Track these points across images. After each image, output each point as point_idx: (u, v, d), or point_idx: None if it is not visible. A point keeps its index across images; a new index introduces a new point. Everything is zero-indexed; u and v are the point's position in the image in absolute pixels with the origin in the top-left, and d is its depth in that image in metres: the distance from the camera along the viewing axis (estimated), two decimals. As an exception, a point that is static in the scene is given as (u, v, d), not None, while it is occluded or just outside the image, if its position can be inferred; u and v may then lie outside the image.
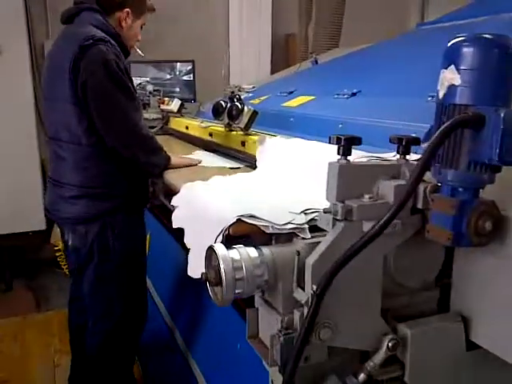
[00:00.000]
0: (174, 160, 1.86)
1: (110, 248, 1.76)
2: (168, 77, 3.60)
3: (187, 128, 2.71)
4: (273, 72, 4.47)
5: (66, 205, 1.74)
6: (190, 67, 3.56)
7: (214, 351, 1.85)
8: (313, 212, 1.15)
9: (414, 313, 1.02)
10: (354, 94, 1.89)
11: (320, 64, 2.95)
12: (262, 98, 2.57)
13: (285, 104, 2.22)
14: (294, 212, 1.14)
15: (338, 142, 0.98)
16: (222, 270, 0.98)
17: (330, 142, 1.00)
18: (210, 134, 2.31)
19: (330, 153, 1.41)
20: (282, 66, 4.47)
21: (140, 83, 3.41)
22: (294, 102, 2.18)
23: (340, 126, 1.66)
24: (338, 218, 0.96)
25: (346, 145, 0.99)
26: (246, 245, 1.06)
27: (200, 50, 4.33)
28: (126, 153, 1.71)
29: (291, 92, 2.38)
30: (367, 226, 0.97)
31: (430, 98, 1.48)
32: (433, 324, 0.97)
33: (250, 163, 1.83)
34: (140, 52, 2.06)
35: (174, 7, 4.19)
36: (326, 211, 0.96)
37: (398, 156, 1.24)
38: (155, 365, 2.32)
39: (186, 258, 2.03)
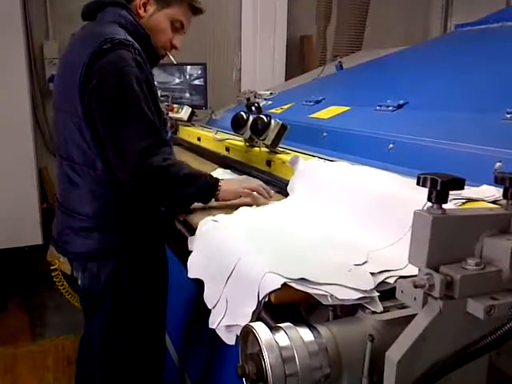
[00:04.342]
0: (227, 189, 1.40)
1: (126, 291, 1.47)
2: (177, 81, 3.31)
3: (199, 139, 2.43)
4: (287, 76, 4.20)
5: (76, 238, 1.44)
6: (200, 71, 3.27)
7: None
8: (382, 271, 0.86)
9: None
10: (400, 106, 1.60)
11: (347, 69, 2.66)
12: (285, 107, 2.28)
13: (313, 115, 1.93)
14: (360, 272, 0.85)
15: (433, 185, 0.70)
16: (268, 364, 0.71)
17: (418, 184, 0.72)
18: (227, 149, 2.02)
19: (391, 184, 1.14)
20: (296, 69, 4.21)
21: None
22: (325, 113, 1.89)
23: (390, 146, 1.38)
24: (435, 295, 0.68)
25: (444, 190, 0.70)
26: (293, 319, 0.78)
27: (209, 52, 4.07)
28: (136, 186, 1.38)
29: (319, 101, 2.10)
30: (474, 307, 0.69)
31: (509, 116, 1.19)
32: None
33: (279, 188, 1.54)
34: (172, 58, 1.62)
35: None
36: (417, 285, 0.68)
37: (496, 196, 0.96)
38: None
39: (195, 286, 1.75)
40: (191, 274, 1.11)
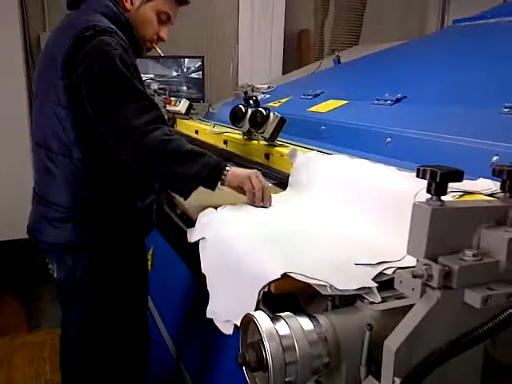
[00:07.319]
0: (236, 173, 1.31)
1: (103, 285, 1.45)
2: (174, 74, 3.30)
3: (197, 133, 2.43)
4: (284, 70, 4.20)
5: (50, 228, 1.40)
6: (198, 64, 3.26)
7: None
8: (380, 263, 0.87)
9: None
10: (398, 100, 1.61)
11: (344, 63, 2.66)
12: (283, 101, 2.29)
13: (312, 109, 1.94)
14: (359, 263, 0.87)
15: (433, 177, 0.70)
16: (268, 352, 0.72)
17: (418, 175, 0.73)
18: (225, 142, 2.03)
19: (389, 176, 1.15)
20: (294, 63, 4.20)
21: (144, 80, 3.12)
22: (323, 107, 1.90)
23: (388, 139, 1.39)
24: (433, 285, 0.69)
25: (443, 182, 0.71)
26: (292, 309, 0.79)
27: (207, 45, 4.06)
28: (133, 164, 1.34)
29: (317, 94, 2.10)
30: (471, 297, 0.70)
31: (506, 110, 1.20)
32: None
33: (280, 181, 1.54)
34: (159, 50, 1.62)
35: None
36: (415, 275, 0.69)
37: (493, 189, 0.98)
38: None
39: (192, 278, 1.73)
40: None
